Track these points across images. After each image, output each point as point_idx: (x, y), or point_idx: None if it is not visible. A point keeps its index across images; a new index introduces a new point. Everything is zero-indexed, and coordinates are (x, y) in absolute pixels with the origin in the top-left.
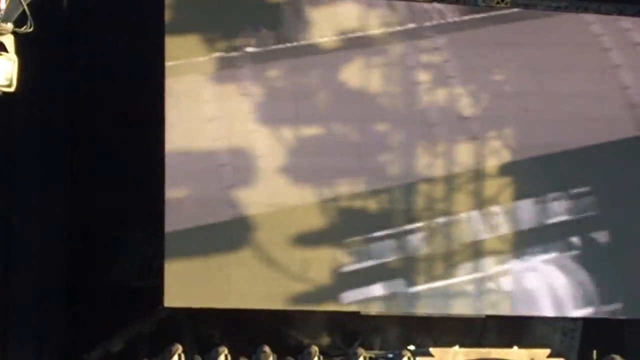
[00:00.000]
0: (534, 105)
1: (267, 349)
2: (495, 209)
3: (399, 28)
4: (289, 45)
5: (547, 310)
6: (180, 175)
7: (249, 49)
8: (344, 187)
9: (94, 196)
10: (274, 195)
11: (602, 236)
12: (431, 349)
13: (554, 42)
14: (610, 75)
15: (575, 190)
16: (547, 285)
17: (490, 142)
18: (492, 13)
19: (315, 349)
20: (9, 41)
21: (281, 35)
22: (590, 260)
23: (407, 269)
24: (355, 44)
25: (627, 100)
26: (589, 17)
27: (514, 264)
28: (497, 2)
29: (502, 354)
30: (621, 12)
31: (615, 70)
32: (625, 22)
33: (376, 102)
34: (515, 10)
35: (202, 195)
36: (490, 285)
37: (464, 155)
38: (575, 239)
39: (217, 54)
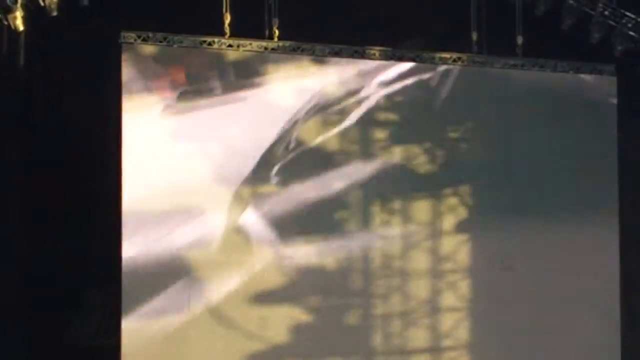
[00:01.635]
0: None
1: None
2: (451, 265)
3: (355, 86)
4: (246, 103)
5: None
6: (137, 233)
7: (208, 108)
8: (302, 245)
9: (50, 254)
10: (232, 254)
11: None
12: None
13: (509, 97)
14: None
15: None
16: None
17: (448, 199)
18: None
19: None
20: None
21: (240, 94)
22: None
23: (364, 326)
24: (311, 101)
25: None
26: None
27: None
28: (454, 60)
29: None
30: (578, 70)
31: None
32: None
33: (333, 160)
34: (472, 68)
35: (160, 254)
36: (447, 342)
37: (420, 212)
38: None
39: (176, 113)
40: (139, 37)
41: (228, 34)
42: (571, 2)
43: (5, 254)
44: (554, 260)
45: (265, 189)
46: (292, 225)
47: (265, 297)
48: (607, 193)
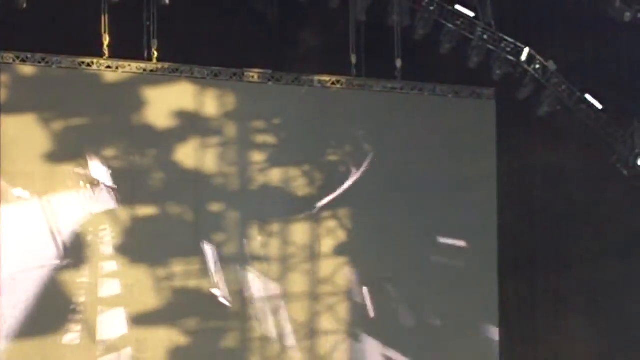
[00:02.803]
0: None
1: None
2: (330, 288)
3: (233, 108)
4: (125, 125)
5: None
6: (12, 252)
7: (86, 129)
8: (179, 267)
9: None
10: (109, 276)
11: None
12: None
13: (388, 120)
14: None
15: None
16: None
17: (326, 222)
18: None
19: None
20: None
21: (118, 115)
22: None
23: (242, 348)
24: (190, 124)
25: None
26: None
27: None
28: (333, 83)
29: None
30: (457, 94)
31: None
32: None
33: (211, 182)
34: (350, 91)
35: (36, 275)
36: None
37: (299, 234)
38: None
39: (52, 133)
40: (18, 57)
41: (107, 55)
42: (450, 26)
43: None
44: (433, 282)
45: (143, 210)
46: (170, 247)
47: (142, 319)
48: (485, 216)
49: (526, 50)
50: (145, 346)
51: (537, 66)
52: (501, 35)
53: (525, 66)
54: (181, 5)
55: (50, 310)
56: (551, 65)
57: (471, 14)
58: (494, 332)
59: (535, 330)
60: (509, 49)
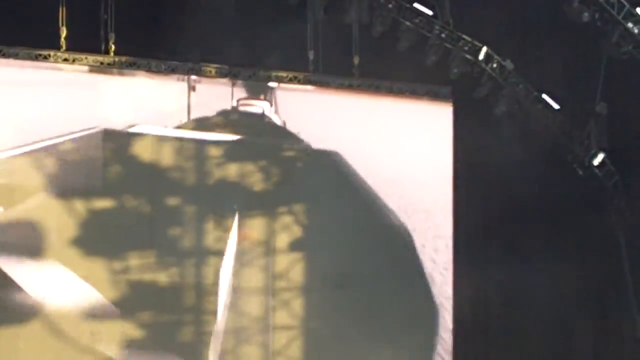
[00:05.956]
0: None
1: None
2: (285, 283)
3: (191, 102)
4: (81, 116)
5: None
6: None
7: (43, 120)
8: (135, 260)
9: None
10: (65, 267)
11: None
12: None
13: (344, 117)
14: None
15: None
16: None
17: (282, 217)
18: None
19: None
20: None
21: (75, 107)
22: None
23: (198, 344)
24: (147, 117)
25: None
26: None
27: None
28: (290, 79)
29: None
30: (413, 92)
31: None
32: None
33: (167, 176)
34: (309, 87)
35: None
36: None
37: (255, 229)
38: None
39: (9, 124)
40: None
41: (64, 48)
42: (408, 24)
43: None
44: (386, 280)
45: (100, 203)
46: (125, 240)
47: (97, 311)
48: (440, 213)
49: (484, 49)
50: (100, 338)
51: (495, 65)
52: (459, 34)
53: (483, 65)
54: None
55: (7, 302)
56: (508, 64)
57: (429, 12)
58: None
59: None
60: (466, 48)
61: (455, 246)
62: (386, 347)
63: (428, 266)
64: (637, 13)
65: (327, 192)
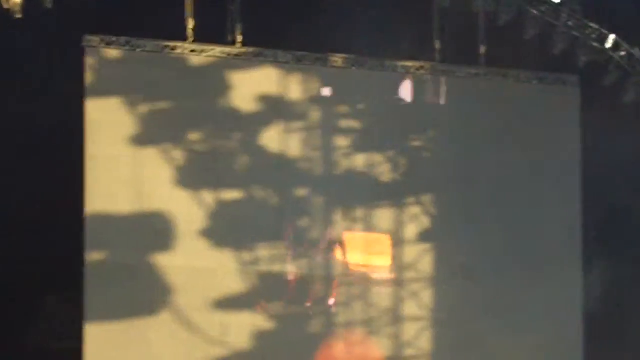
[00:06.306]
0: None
1: None
2: (414, 274)
3: (317, 93)
4: (209, 109)
5: None
6: (100, 238)
7: (171, 112)
8: (264, 251)
9: (12, 257)
10: (194, 259)
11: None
12: None
13: (471, 107)
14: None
15: None
16: None
17: (410, 208)
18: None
19: None
20: None
21: (202, 99)
22: None
23: (326, 334)
24: (274, 108)
25: None
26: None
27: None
28: (417, 69)
29: None
30: (541, 80)
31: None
32: None
33: (295, 167)
34: (435, 76)
35: (122, 259)
36: (409, 351)
37: (382, 220)
38: None
39: (138, 117)
40: (103, 40)
41: (191, 39)
42: (534, 12)
43: None
44: (515, 269)
45: (228, 194)
46: (254, 231)
47: (227, 303)
48: (568, 203)
49: (612, 37)
50: (229, 330)
51: (623, 53)
52: (587, 22)
53: (611, 53)
54: None
55: (138, 293)
56: (637, 52)
57: (556, 0)
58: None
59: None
60: (594, 36)
61: (584, 238)
62: (515, 339)
63: (556, 258)
64: None
65: (453, 181)
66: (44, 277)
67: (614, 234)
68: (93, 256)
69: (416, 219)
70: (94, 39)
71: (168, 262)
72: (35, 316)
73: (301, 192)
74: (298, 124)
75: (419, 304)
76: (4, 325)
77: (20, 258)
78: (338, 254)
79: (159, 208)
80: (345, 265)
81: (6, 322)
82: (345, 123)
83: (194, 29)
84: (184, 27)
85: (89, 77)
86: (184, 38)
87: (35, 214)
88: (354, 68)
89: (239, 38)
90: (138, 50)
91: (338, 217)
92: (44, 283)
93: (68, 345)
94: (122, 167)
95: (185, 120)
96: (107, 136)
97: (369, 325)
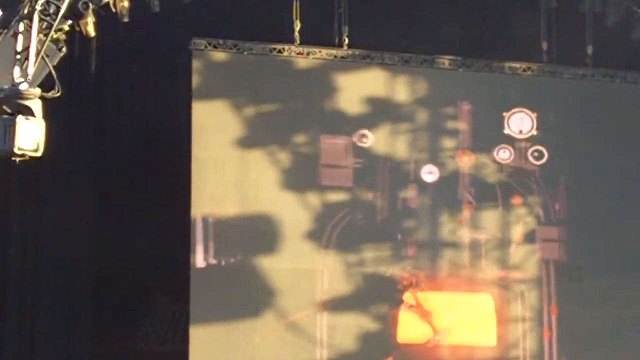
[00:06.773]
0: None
1: None
2: (520, 275)
3: (424, 94)
4: (315, 110)
5: None
6: (206, 240)
7: (277, 115)
8: (369, 253)
9: (119, 261)
10: (299, 261)
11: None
12: None
13: (578, 107)
14: None
15: None
16: None
17: (516, 209)
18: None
19: None
20: (36, 105)
21: (309, 101)
22: None
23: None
24: (381, 110)
25: None
26: None
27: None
28: (524, 70)
29: None
30: None
31: None
32: None
33: (401, 169)
34: (542, 77)
35: (228, 261)
36: (517, 353)
37: (489, 221)
38: None
39: (244, 119)
40: (209, 44)
41: (298, 42)
42: None
43: (77, 258)
44: (624, 270)
45: (334, 196)
46: (360, 233)
47: (332, 305)
48: None
49: None
50: (335, 332)
51: None
52: None
53: None
54: None
55: (243, 295)
56: None
57: None
58: None
59: None
60: None
61: None
62: (624, 341)
63: None
64: None
65: (561, 184)
66: (152, 279)
67: None
68: (198, 258)
69: (522, 220)
70: (200, 42)
71: (273, 264)
72: (141, 318)
73: (407, 193)
74: (405, 126)
75: (524, 304)
76: (111, 325)
77: (128, 260)
78: (444, 254)
79: (265, 210)
80: (451, 265)
81: (113, 322)
82: (451, 124)
83: (300, 32)
84: (291, 30)
85: (195, 80)
86: (290, 40)
87: (143, 215)
88: (460, 69)
89: (346, 40)
90: (245, 53)
91: (444, 218)
92: (151, 285)
93: (172, 348)
94: (228, 169)
95: (291, 122)
96: (213, 139)
97: (473, 326)
